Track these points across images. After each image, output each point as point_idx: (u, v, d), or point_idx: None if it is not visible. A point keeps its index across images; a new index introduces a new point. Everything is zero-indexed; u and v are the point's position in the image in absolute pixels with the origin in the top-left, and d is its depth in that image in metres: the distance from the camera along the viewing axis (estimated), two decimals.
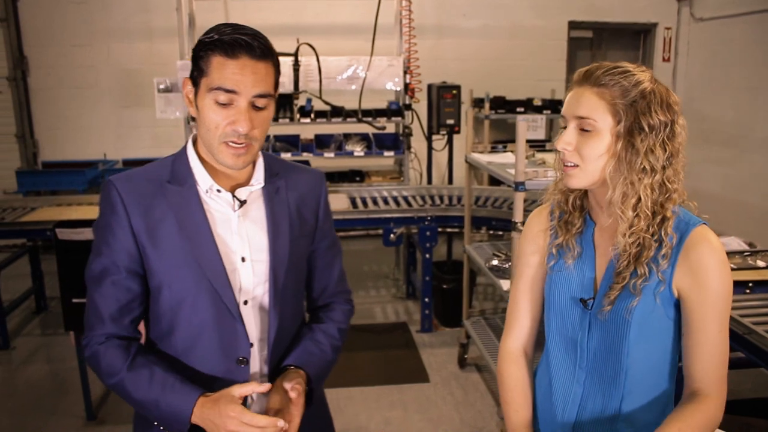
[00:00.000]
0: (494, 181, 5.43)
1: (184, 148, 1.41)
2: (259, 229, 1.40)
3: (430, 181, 5.31)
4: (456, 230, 5.00)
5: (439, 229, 4.40)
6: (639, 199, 1.28)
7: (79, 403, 3.51)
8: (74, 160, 6.17)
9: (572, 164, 1.33)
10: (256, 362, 1.42)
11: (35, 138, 6.50)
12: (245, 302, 1.38)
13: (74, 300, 3.15)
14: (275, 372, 1.43)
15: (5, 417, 3.52)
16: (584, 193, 1.42)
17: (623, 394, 1.36)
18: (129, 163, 5.93)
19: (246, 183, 1.40)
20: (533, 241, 1.51)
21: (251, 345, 1.39)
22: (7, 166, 6.22)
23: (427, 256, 4.27)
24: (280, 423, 1.23)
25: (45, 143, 6.54)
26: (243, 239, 1.38)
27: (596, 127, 1.29)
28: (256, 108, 1.29)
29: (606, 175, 1.30)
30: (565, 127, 1.34)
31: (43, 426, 3.41)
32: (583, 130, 1.31)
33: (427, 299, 4.37)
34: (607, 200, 1.32)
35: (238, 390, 1.26)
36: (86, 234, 3.26)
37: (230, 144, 1.29)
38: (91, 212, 4.07)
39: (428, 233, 4.24)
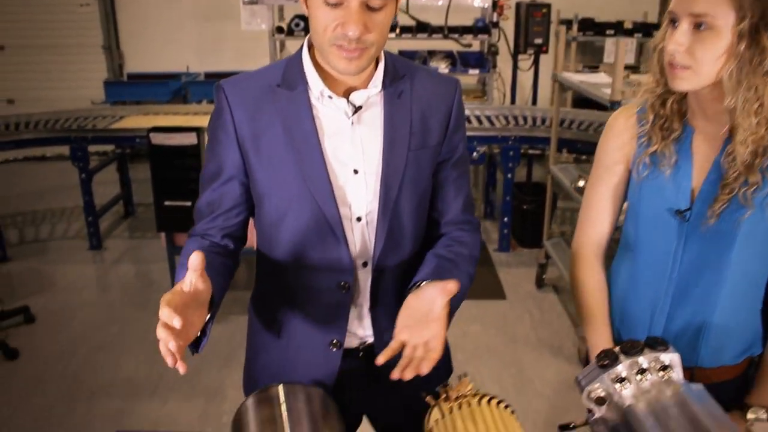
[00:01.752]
0: (578, 103, 5.25)
1: (299, 51, 1.29)
2: (375, 137, 1.26)
3: (513, 102, 5.18)
4: (537, 152, 4.90)
5: (521, 151, 4.32)
6: (762, 105, 1.19)
7: None
8: (157, 72, 6.30)
9: (683, 66, 1.22)
10: (360, 287, 1.32)
11: (121, 49, 6.66)
12: (358, 219, 1.27)
13: (166, 203, 3.27)
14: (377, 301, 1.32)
15: (102, 309, 3.76)
16: (683, 96, 1.32)
17: (716, 307, 1.32)
18: (211, 76, 6.00)
19: (363, 87, 1.26)
20: (619, 149, 1.41)
21: (355, 269, 1.29)
22: (94, 77, 6.42)
23: (509, 176, 4.22)
24: (175, 322, 0.99)
25: (130, 55, 6.70)
26: (356, 149, 1.25)
27: (715, 25, 1.17)
28: (370, 9, 1.13)
29: (723, 78, 1.20)
30: (674, 24, 1.23)
31: (137, 319, 3.63)
32: (698, 28, 1.19)
33: (506, 219, 4.34)
34: (726, 107, 1.22)
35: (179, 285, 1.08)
36: (177, 139, 3.35)
37: (341, 47, 1.15)
38: (176, 120, 4.17)
39: (511, 153, 4.17)
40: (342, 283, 1.29)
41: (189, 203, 3.27)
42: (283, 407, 1.01)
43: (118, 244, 4.66)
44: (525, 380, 3.05)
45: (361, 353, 1.37)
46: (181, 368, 0.98)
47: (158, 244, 4.57)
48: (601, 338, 1.38)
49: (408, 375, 1.10)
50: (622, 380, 1.13)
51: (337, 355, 1.33)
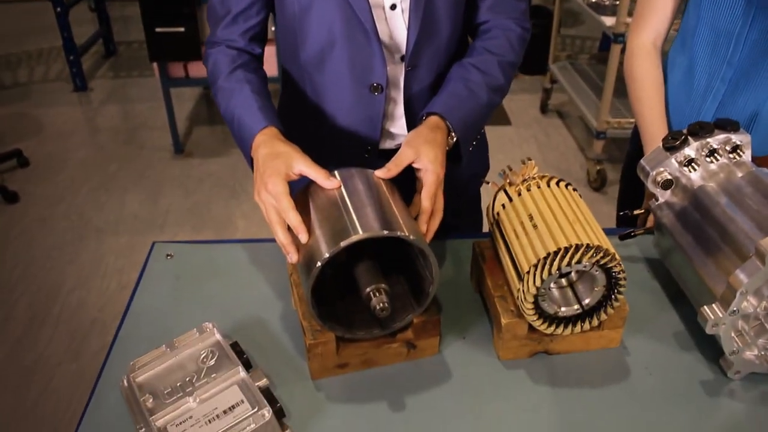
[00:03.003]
0: None
1: None
2: None
3: None
4: None
5: None
6: None
7: (165, 138, 3.58)
8: None
9: None
10: (393, 86, 1.21)
11: None
12: (392, 7, 1.13)
13: (157, 29, 3.04)
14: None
15: (96, 150, 3.64)
16: None
17: None
18: None
19: None
20: None
21: (387, 65, 1.16)
22: None
23: None
24: (294, 257, 0.93)
25: None
26: None
27: None
28: None
29: None
30: None
31: (134, 158, 3.53)
32: None
33: None
34: None
35: (299, 166, 0.97)
36: None
37: None
38: None
39: None
40: (374, 84, 1.18)
41: (182, 29, 3.04)
42: (343, 190, 0.94)
43: (103, 85, 4.45)
44: None
45: None
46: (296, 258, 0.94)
47: (145, 83, 4.38)
48: (658, 130, 1.31)
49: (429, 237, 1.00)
50: (690, 162, 1.07)
51: (372, 156, 1.26)
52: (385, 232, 0.85)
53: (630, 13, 2.72)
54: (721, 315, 0.89)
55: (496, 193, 1.06)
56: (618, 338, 0.99)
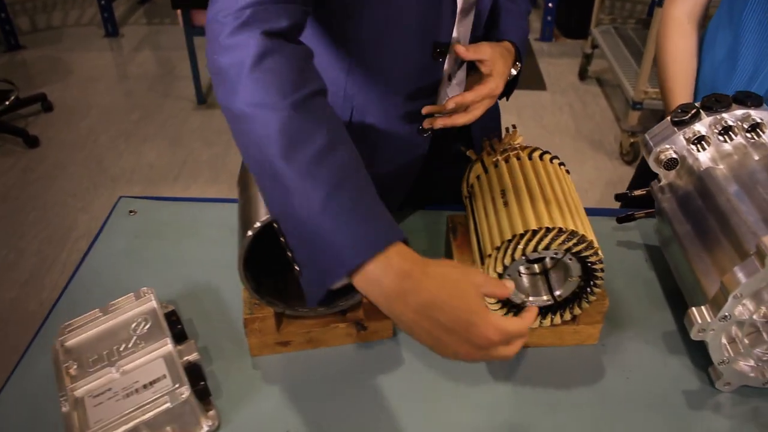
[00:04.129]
0: None
1: None
2: None
3: None
4: None
5: None
6: None
7: (189, 87, 3.52)
8: None
9: None
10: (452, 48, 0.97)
11: None
12: None
13: None
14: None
15: (121, 97, 3.60)
16: None
17: None
18: None
19: None
20: None
21: (452, 25, 0.93)
22: None
23: None
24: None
25: None
26: None
27: None
28: None
29: None
30: None
31: (157, 106, 3.48)
32: None
33: (550, 4, 3.93)
34: None
35: (486, 286, 0.65)
36: None
37: None
38: None
39: None
40: (438, 49, 0.94)
41: None
42: None
43: (135, 31, 4.39)
44: None
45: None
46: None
47: (177, 30, 4.30)
48: (684, 91, 1.18)
49: (440, 123, 0.94)
50: (700, 140, 0.94)
51: (427, 140, 1.05)
52: None
53: None
54: (709, 319, 0.77)
55: (473, 163, 0.94)
56: (596, 335, 0.88)
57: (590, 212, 1.15)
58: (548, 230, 0.76)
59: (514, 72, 1.03)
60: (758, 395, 0.83)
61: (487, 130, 1.25)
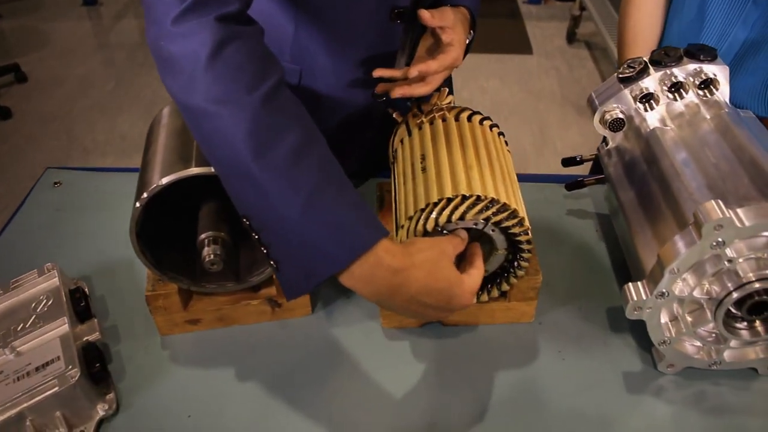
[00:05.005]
0: None
1: None
2: None
3: None
4: None
5: None
6: None
7: None
8: None
9: None
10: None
11: None
12: None
13: None
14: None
15: (98, 67, 3.51)
16: None
17: None
18: None
19: None
20: None
21: None
22: None
23: None
24: None
25: None
26: None
27: None
28: None
29: None
30: None
31: (134, 77, 3.39)
32: None
33: None
34: None
35: (455, 250, 0.68)
36: None
37: None
38: None
39: None
40: (395, 10, 0.88)
41: None
42: None
43: None
44: (545, 140, 2.80)
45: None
46: None
47: None
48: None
49: (398, 92, 0.85)
50: (648, 98, 0.86)
51: (382, 105, 0.98)
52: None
53: None
54: (645, 297, 0.71)
55: (398, 125, 0.87)
56: (531, 312, 0.82)
57: (542, 179, 1.09)
58: (465, 198, 0.69)
59: (466, 41, 0.95)
60: (703, 377, 0.77)
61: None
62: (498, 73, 3.19)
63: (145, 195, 0.68)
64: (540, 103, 3.01)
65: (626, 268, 0.88)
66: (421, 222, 0.69)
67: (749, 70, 1.01)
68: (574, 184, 0.99)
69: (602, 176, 0.96)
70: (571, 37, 3.51)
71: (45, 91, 3.28)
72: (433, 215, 0.69)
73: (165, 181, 0.68)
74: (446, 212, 0.68)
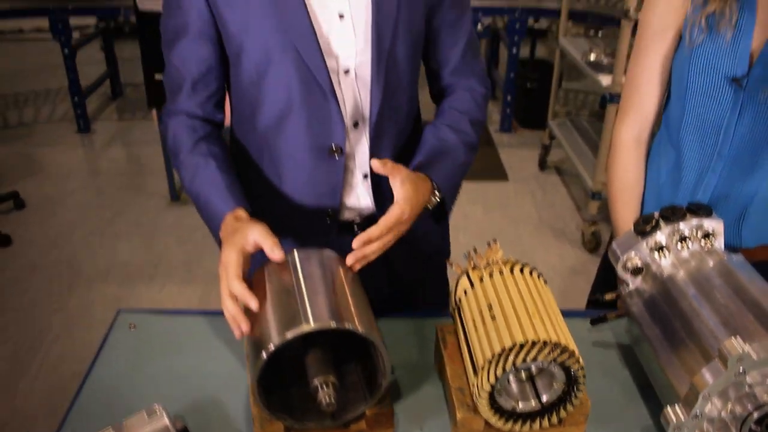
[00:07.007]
0: None
1: None
2: None
3: None
4: (543, 28, 4.64)
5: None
6: None
7: (163, 184, 3.59)
8: None
9: None
10: (355, 154, 1.18)
11: None
12: (346, 72, 1.11)
13: (156, 76, 3.08)
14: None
15: (93, 194, 3.65)
16: None
17: (764, 183, 1.21)
18: None
19: None
20: (671, 11, 1.21)
21: (347, 129, 1.14)
22: None
23: (514, 50, 4.01)
24: (244, 327, 0.90)
25: None
26: None
27: None
28: None
29: None
30: None
31: (130, 203, 3.53)
32: None
33: (509, 98, 4.18)
34: None
35: (253, 236, 0.96)
36: None
37: None
38: None
39: (517, 26, 3.94)
40: (333, 147, 1.14)
41: None
42: (300, 273, 0.92)
43: (107, 127, 4.49)
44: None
45: (356, 227, 1.25)
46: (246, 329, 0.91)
47: (149, 125, 4.42)
48: (631, 215, 1.29)
49: (359, 265, 1.01)
50: (661, 248, 1.05)
51: (332, 227, 1.23)
52: (334, 324, 0.82)
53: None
54: (683, 418, 0.86)
55: (459, 277, 1.03)
56: None
57: (565, 315, 1.24)
58: (534, 343, 0.84)
59: (435, 200, 1.12)
60: None
61: (436, 259, 1.38)
62: (479, 200, 3.45)
63: (272, 347, 0.81)
64: (519, 227, 3.25)
65: (649, 388, 1.03)
66: (500, 364, 0.84)
67: (723, 211, 1.22)
68: (598, 319, 1.16)
69: (622, 313, 1.13)
70: (543, 164, 3.82)
71: (43, 217, 3.39)
72: (511, 358, 0.84)
73: (290, 335, 0.81)
74: (521, 355, 0.83)
